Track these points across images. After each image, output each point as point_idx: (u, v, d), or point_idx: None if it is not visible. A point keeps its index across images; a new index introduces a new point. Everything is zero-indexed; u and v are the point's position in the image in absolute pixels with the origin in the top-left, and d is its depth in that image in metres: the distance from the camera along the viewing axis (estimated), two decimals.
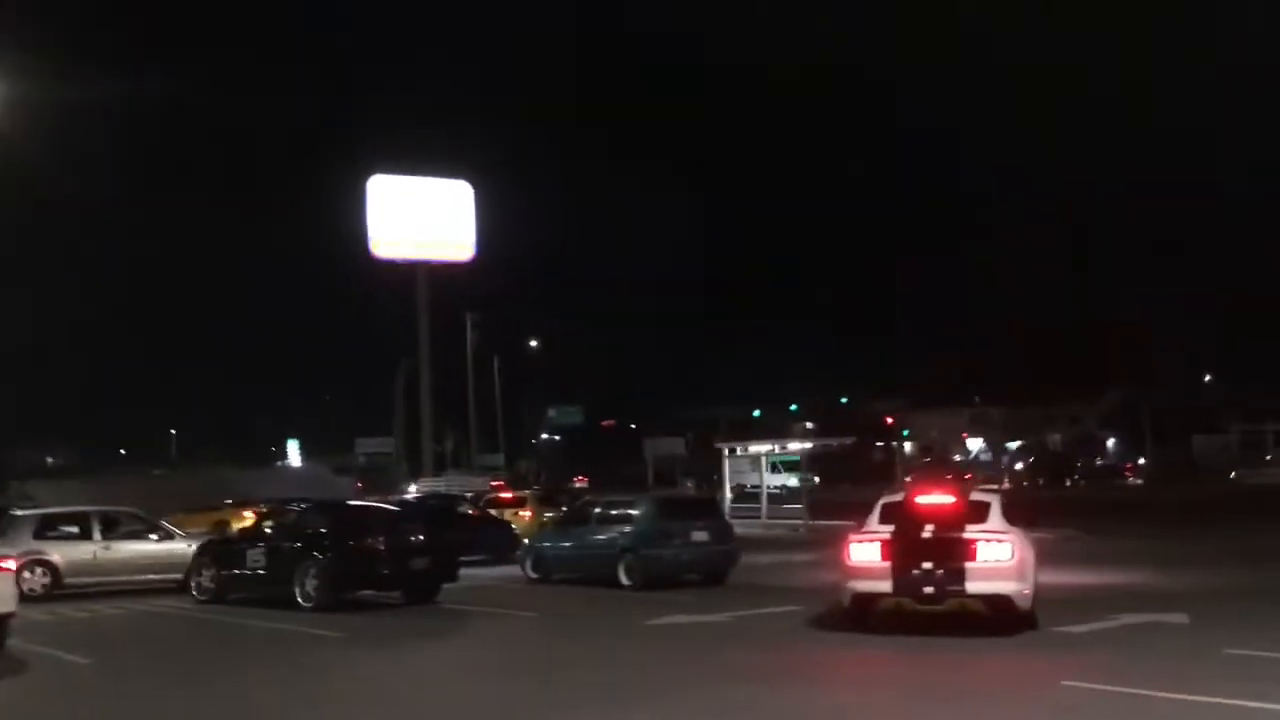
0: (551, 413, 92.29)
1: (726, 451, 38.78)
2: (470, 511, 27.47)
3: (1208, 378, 77.27)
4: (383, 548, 16.25)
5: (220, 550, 18.20)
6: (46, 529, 18.91)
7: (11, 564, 12.82)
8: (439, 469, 54.54)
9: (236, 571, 17.36)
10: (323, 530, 16.94)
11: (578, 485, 31.99)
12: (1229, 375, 72.17)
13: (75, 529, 19.05)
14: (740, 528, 31.01)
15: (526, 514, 30.58)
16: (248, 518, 23.68)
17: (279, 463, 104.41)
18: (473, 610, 16.04)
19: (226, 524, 28.01)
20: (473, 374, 58.56)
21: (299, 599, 16.02)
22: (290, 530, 17.44)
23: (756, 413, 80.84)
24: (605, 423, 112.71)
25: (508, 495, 34.35)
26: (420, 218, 45.72)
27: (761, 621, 14.06)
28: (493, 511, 29.06)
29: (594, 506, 19.95)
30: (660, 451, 54.67)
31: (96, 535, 18.94)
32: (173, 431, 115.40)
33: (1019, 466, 48.91)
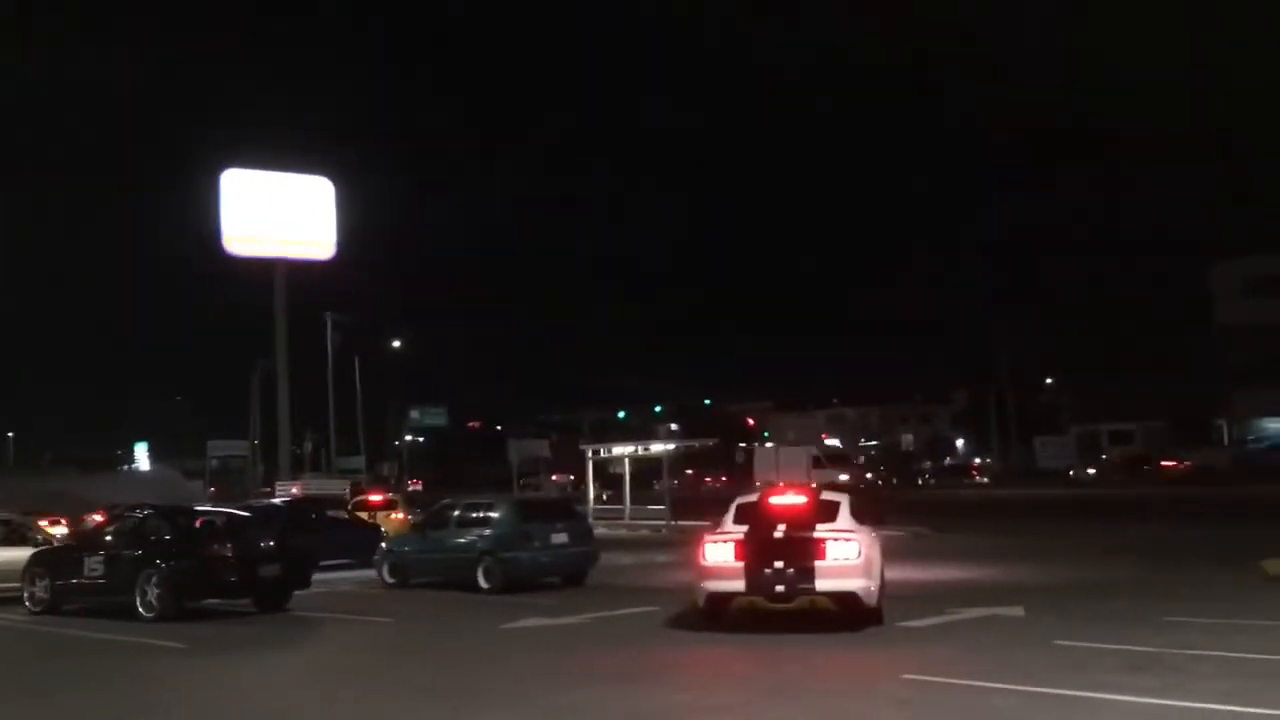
0: (415, 414, 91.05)
1: (590, 453, 38.92)
2: (340, 514, 26.85)
3: (1049, 380, 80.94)
4: (229, 554, 15.71)
5: (55, 558, 17.32)
6: None
7: None
8: (297, 472, 53.24)
9: (74, 580, 16.54)
10: (166, 537, 16.31)
11: (411, 489, 31.31)
12: (1070, 376, 75.71)
13: None
14: (604, 528, 31.33)
15: (398, 516, 30.07)
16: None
17: (125, 467, 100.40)
18: (325, 617, 15.64)
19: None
20: (333, 375, 57.37)
21: (140, 609, 15.37)
22: (131, 537, 16.74)
23: (622, 414, 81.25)
24: (470, 424, 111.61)
25: (377, 498, 33.73)
26: (278, 214, 44.32)
27: (618, 623, 14.09)
28: (362, 515, 28.51)
29: (453, 509, 19.68)
30: (525, 453, 54.37)
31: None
32: (9, 434, 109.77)
33: (870, 470, 50.87)
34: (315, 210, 45.26)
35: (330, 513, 26.43)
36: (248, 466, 64.15)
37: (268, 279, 44.18)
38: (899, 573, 17.71)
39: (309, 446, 69.22)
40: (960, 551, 23.31)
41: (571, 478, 54.45)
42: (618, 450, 37.87)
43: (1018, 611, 13.46)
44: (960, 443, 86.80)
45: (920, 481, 66.37)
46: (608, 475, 40.18)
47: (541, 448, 57.53)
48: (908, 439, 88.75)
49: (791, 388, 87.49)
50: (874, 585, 12.68)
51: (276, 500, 29.51)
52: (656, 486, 35.90)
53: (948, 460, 79.01)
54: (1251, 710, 7.92)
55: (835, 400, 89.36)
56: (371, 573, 20.33)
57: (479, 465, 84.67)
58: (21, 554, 17.92)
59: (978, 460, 73.60)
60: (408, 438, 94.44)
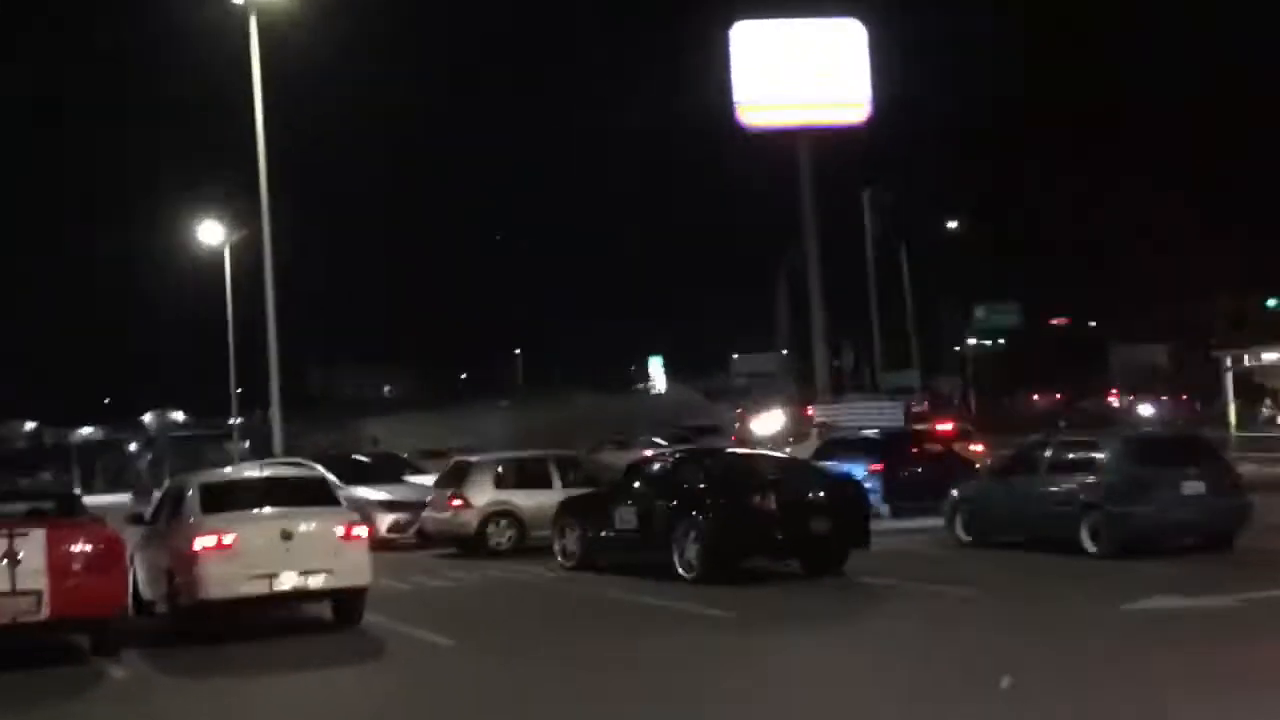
0: (979, 313, 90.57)
1: (1228, 361, 36.62)
2: (934, 446, 28.47)
3: None
4: (774, 506, 16.95)
5: (586, 507, 19.70)
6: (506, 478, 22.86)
7: (364, 530, 14.67)
8: (836, 391, 55.26)
9: (605, 533, 18.78)
10: (702, 485, 17.93)
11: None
12: None
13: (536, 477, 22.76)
14: (1251, 465, 29.50)
15: (977, 448, 30.76)
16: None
17: (642, 386, 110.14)
18: (889, 585, 16.45)
19: None
20: (874, 268, 58.34)
21: (679, 567, 17.10)
22: (664, 484, 18.60)
23: (1272, 301, 74.28)
24: (1054, 321, 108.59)
25: (946, 426, 34.39)
26: (799, 71, 44.87)
27: None
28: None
29: (1044, 448, 19.74)
30: (1132, 361, 52.31)
31: (556, 484, 22.29)
32: (517, 352, 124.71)
33: None
34: (844, 62, 45.31)
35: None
36: (777, 384, 67.83)
37: (788, 155, 45.64)
38: None
39: (849, 359, 71.31)
40: None
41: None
42: (1270, 356, 35.33)
43: None
44: None
45: None
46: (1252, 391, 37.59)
47: (1154, 354, 55.05)
48: None
49: None
50: None
51: (869, 432, 31.09)
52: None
53: None
54: None
55: None
56: (927, 521, 21.15)
57: (1065, 373, 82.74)
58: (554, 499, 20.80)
59: None
60: (971, 342, 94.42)
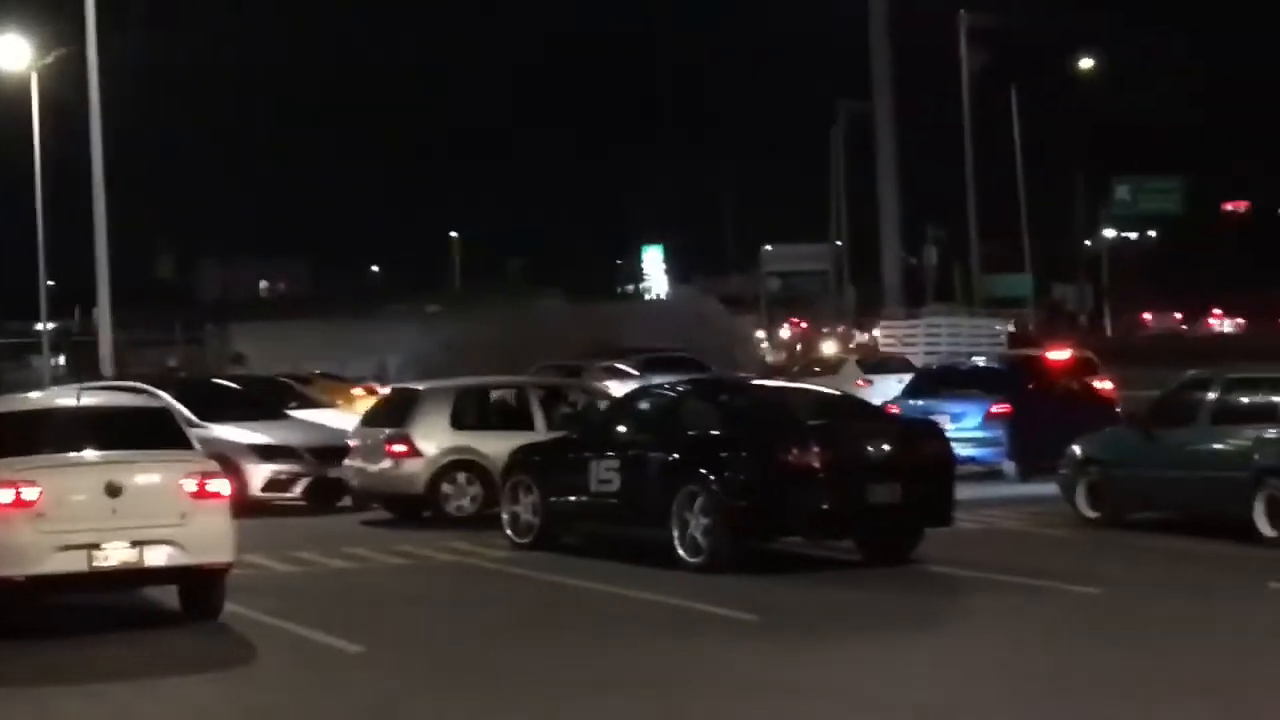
0: (1122, 192, 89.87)
1: None
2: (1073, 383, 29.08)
3: None
4: (818, 464, 16.92)
5: (547, 460, 19.70)
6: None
7: (225, 485, 14.61)
8: (913, 301, 55.09)
9: (573, 498, 18.87)
10: (714, 431, 17.95)
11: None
12: None
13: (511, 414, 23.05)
14: None
15: (1103, 386, 30.77)
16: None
17: (633, 288, 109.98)
18: (981, 579, 16.58)
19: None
20: (971, 124, 57.28)
21: (680, 549, 17.13)
22: (660, 428, 18.61)
23: None
24: (1231, 205, 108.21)
25: (1060, 355, 34.22)
26: None
27: None
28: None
29: (1205, 389, 19.68)
30: None
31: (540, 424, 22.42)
32: (453, 234, 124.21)
33: None
34: None
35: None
36: (824, 289, 67.60)
37: None
38: None
39: (932, 255, 70.68)
40: None
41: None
42: None
43: None
44: None
45: None
46: None
47: None
48: None
49: None
50: None
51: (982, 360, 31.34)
52: None
53: None
54: None
55: None
56: (1038, 489, 21.28)
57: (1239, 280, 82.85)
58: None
59: None
60: (1108, 234, 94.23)
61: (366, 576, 18.30)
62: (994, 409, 26.14)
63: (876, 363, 44.84)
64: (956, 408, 26.67)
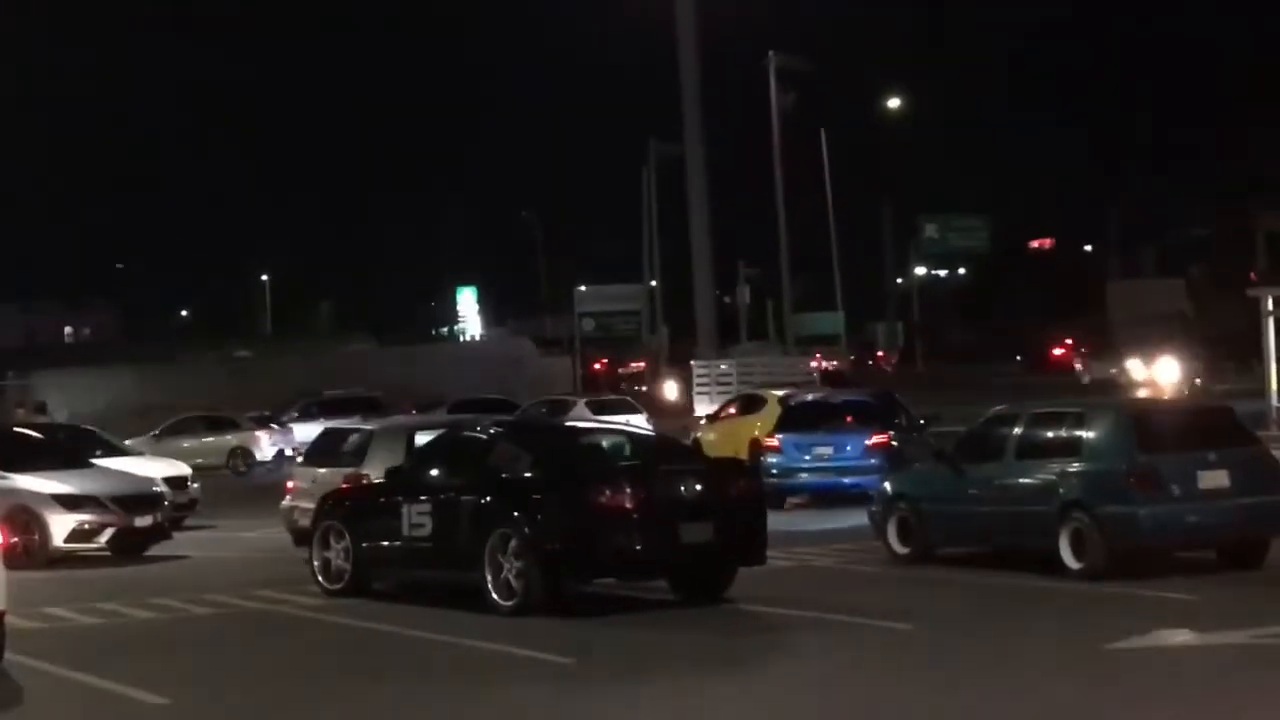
0: (929, 231, 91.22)
1: (1270, 300, 37.63)
2: None
3: None
4: (632, 505, 16.96)
5: (358, 505, 19.58)
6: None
7: None
8: (726, 338, 55.36)
9: (385, 543, 18.70)
10: (528, 474, 17.91)
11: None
12: None
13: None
14: None
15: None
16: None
17: (447, 330, 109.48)
18: (795, 618, 16.73)
19: None
20: (783, 168, 57.35)
21: (493, 593, 17.07)
22: (473, 471, 18.50)
23: None
24: (1037, 243, 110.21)
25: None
26: None
27: None
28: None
29: (1011, 425, 20.04)
30: (1139, 302, 53.72)
31: None
32: (264, 278, 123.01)
33: None
34: None
35: None
36: (639, 331, 67.79)
37: (662, 13, 45.60)
38: None
39: (745, 293, 71.15)
40: None
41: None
42: None
43: None
44: None
45: None
46: None
47: (1171, 290, 56.47)
48: None
49: None
50: None
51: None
52: None
53: None
54: None
55: None
56: (857, 523, 21.66)
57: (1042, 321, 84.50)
58: None
59: None
60: (919, 272, 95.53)
61: (173, 627, 17.95)
62: (874, 440, 27.10)
63: (601, 403, 45.72)
64: (837, 440, 28.12)
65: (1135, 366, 54.08)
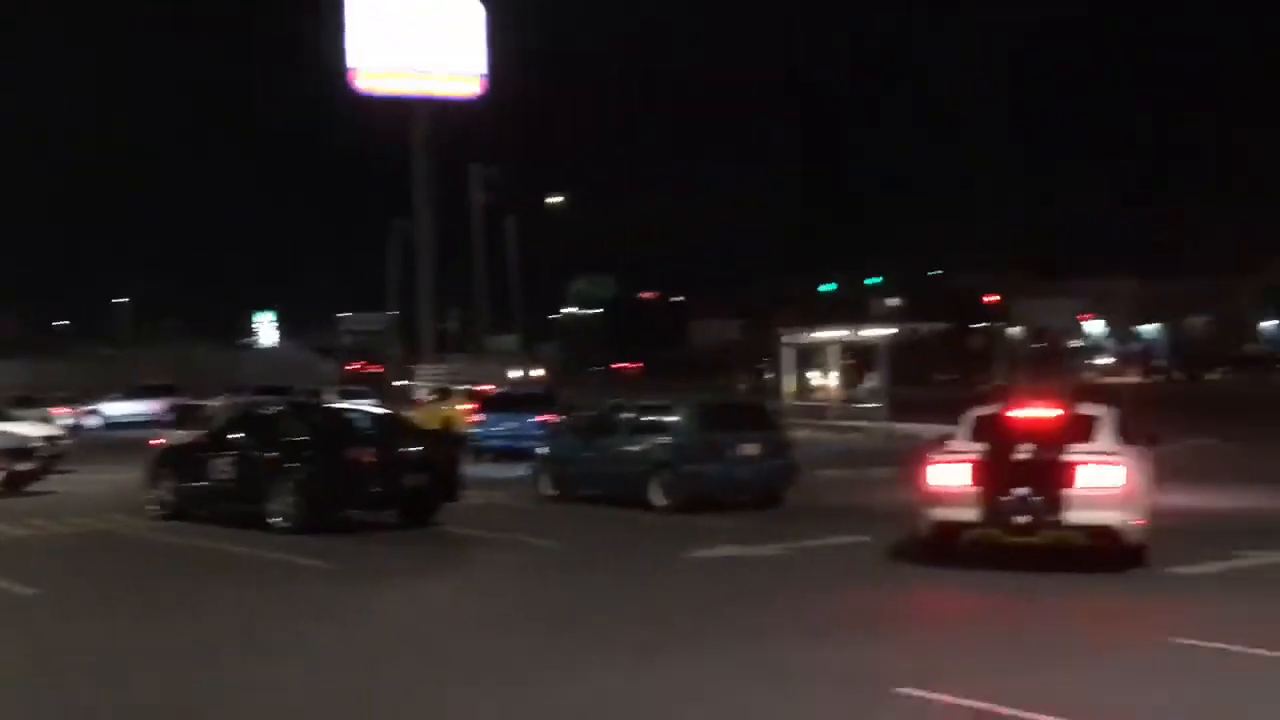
0: (578, 284, 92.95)
1: (787, 339, 39.02)
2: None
3: None
4: (373, 460, 16.87)
5: (181, 457, 19.02)
6: None
7: None
8: (441, 351, 55.36)
9: (201, 483, 18.16)
10: (302, 438, 17.67)
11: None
12: None
13: None
14: (806, 432, 31.73)
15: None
16: None
17: (249, 340, 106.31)
18: (478, 536, 16.74)
19: None
20: (482, 239, 58.55)
21: (274, 518, 16.81)
22: (264, 436, 18.15)
23: (827, 286, 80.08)
24: (645, 295, 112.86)
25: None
26: (416, 42, 44.58)
27: (823, 555, 14.55)
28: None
29: (623, 412, 20.47)
30: (709, 336, 55.25)
31: None
32: (124, 300, 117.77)
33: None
34: (461, 37, 45.44)
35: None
36: (386, 344, 67.21)
37: (405, 123, 45.22)
38: (1176, 498, 17.45)
39: (455, 324, 71.64)
40: (1256, 470, 22.73)
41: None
42: (822, 335, 37.96)
43: None
44: (1269, 325, 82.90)
45: (1212, 376, 64.01)
46: (812, 365, 40.23)
47: (729, 330, 58.19)
48: (1196, 321, 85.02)
49: (1049, 252, 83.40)
50: (1138, 519, 12.72)
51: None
52: (870, 380, 35.80)
53: (1247, 348, 75.72)
54: None
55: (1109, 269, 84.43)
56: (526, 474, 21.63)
57: (653, 347, 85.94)
58: None
59: None
60: (573, 310, 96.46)
61: (42, 541, 17.10)
62: (540, 418, 27.48)
63: (347, 391, 46.18)
64: (518, 418, 29.07)
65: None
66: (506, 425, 29.32)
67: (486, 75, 46.01)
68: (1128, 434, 13.83)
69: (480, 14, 45.71)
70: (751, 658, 9.47)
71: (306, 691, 8.80)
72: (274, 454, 17.38)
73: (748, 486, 19.11)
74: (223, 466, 17.89)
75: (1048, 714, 7.64)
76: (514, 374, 51.41)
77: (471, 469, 20.73)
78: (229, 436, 18.75)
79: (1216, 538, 14.75)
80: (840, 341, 37.13)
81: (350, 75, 44.06)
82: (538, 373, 47.43)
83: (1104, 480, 12.51)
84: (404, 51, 44.19)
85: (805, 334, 39.10)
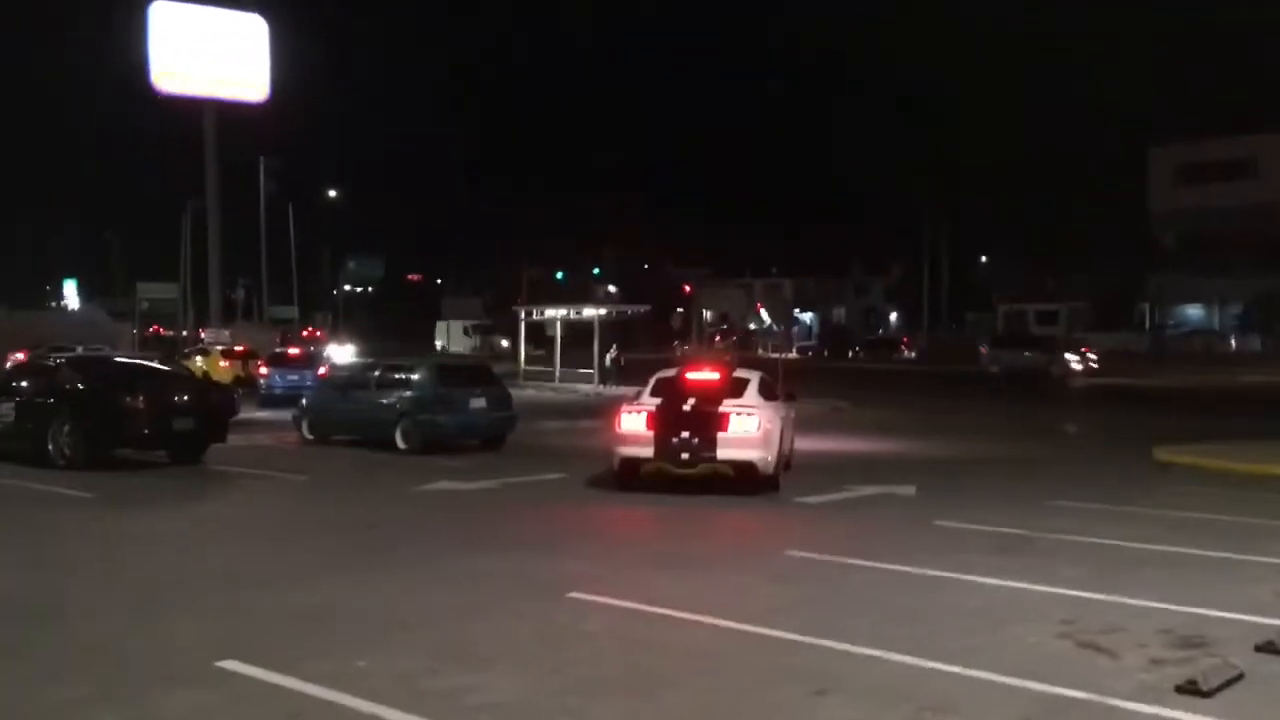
0: (351, 264, 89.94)
1: (523, 315, 39.16)
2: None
3: (983, 258, 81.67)
4: (143, 406, 15.85)
5: None
6: None
7: None
8: (228, 319, 52.74)
9: None
10: (80, 386, 16.44)
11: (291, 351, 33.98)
12: (1003, 254, 76.25)
13: None
14: (532, 391, 31.74)
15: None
16: None
17: (55, 304, 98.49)
18: (240, 472, 15.92)
19: None
20: (266, 222, 56.43)
21: (52, 456, 15.59)
22: (46, 383, 16.80)
23: (559, 275, 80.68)
24: (411, 277, 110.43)
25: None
26: (209, 52, 42.88)
27: (530, 488, 14.51)
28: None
29: (374, 370, 19.92)
30: (459, 312, 54.59)
31: None
32: None
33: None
34: (248, 49, 43.79)
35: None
36: (178, 310, 63.45)
37: (200, 119, 42.95)
38: (810, 444, 18.32)
39: (241, 294, 68.38)
40: (873, 425, 24.06)
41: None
42: (549, 313, 38.03)
43: (909, 490, 14.05)
44: (894, 316, 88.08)
45: (850, 355, 67.45)
46: (542, 338, 40.33)
47: (474, 307, 57.65)
48: (839, 312, 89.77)
49: (736, 255, 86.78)
50: (771, 456, 13.48)
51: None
52: (612, 354, 36.04)
53: (880, 333, 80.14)
54: (1092, 596, 8.42)
55: (774, 270, 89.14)
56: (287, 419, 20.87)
57: (416, 320, 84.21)
58: None
59: (909, 336, 74.62)
60: (346, 288, 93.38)
61: None
62: (320, 373, 25.69)
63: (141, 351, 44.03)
64: (298, 371, 29.30)
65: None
66: (289, 378, 29.35)
67: (270, 83, 44.08)
68: (770, 393, 14.50)
69: (265, 33, 44.09)
70: (454, 568, 9.36)
71: (63, 595, 8.14)
72: (54, 400, 16.08)
73: (476, 432, 18.90)
74: (4, 411, 16.46)
75: (687, 611, 7.81)
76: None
77: (260, 413, 19.68)
78: (14, 385, 17.21)
79: (835, 474, 15.49)
80: (563, 320, 37.28)
81: (151, 78, 41.65)
82: (349, 345, 45.27)
83: (746, 427, 13.19)
84: (198, 60, 42.31)
85: (537, 312, 39.12)
